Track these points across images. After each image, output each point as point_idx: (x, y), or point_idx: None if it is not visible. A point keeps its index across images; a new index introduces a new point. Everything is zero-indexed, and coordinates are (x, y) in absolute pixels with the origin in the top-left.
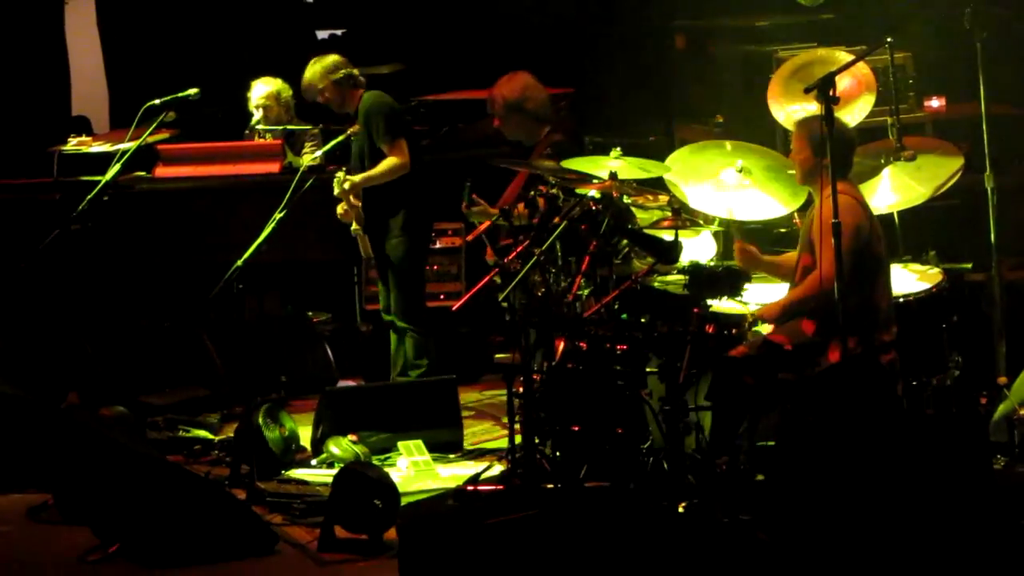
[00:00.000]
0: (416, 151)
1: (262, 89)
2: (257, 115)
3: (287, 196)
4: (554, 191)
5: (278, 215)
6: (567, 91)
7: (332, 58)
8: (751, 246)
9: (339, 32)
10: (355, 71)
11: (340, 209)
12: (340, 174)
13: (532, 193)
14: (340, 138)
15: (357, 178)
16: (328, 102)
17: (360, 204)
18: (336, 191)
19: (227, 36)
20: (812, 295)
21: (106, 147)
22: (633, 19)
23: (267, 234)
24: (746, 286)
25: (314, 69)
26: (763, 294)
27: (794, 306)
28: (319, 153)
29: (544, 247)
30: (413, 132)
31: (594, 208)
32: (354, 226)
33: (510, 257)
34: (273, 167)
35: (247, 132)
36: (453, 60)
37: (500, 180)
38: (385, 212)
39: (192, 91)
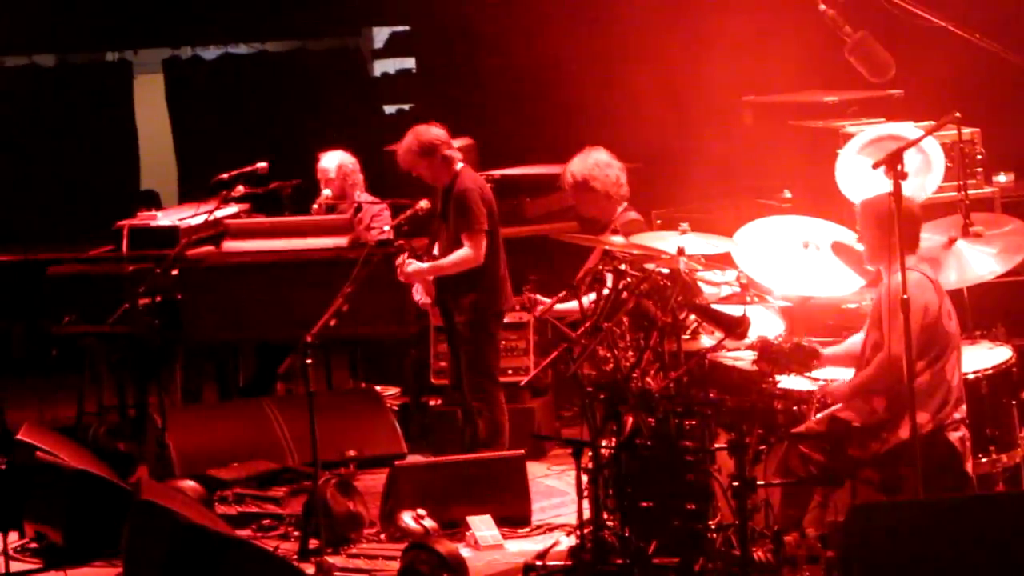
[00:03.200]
0: (493, 241)
1: (330, 162)
2: (325, 189)
3: (355, 269)
4: (622, 267)
5: (346, 289)
6: (639, 166)
7: (433, 132)
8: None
9: (407, 107)
10: (454, 148)
11: (415, 294)
12: (401, 258)
13: (600, 268)
14: (408, 213)
15: (425, 266)
16: (421, 174)
17: (431, 281)
18: (400, 276)
19: (296, 110)
20: (882, 375)
21: (174, 221)
22: (702, 94)
23: (335, 308)
24: (815, 363)
25: (413, 141)
26: (832, 370)
27: (864, 387)
28: (387, 228)
29: (613, 322)
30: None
31: (662, 283)
32: (423, 298)
33: (579, 332)
34: (341, 241)
35: (315, 206)
36: (524, 135)
37: (570, 257)
38: (456, 288)
39: (261, 165)
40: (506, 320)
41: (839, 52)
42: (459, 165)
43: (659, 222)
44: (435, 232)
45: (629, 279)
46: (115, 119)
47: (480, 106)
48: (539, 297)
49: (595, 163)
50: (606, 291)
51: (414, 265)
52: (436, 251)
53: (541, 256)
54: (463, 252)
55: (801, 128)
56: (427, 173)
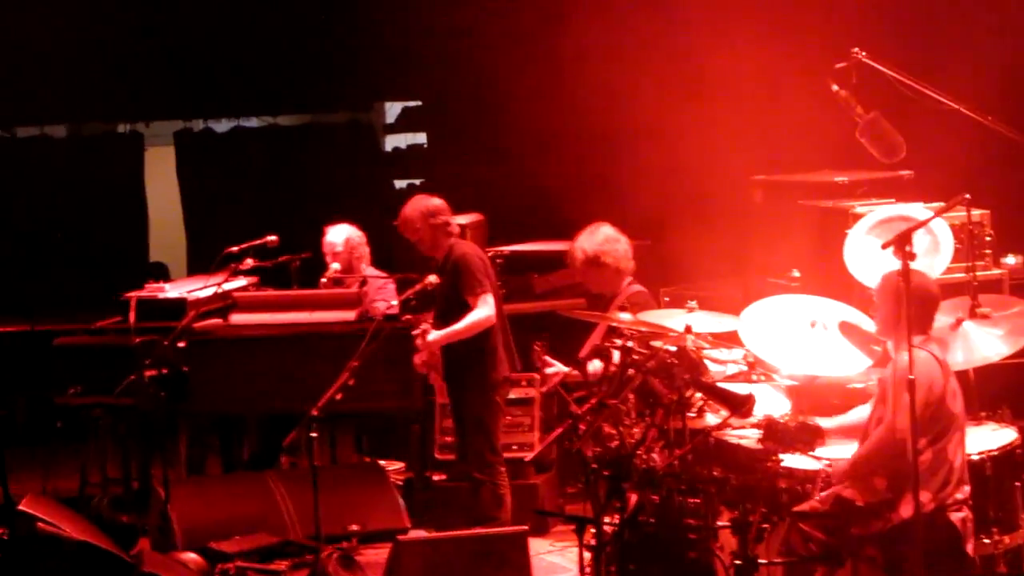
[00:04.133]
0: (498, 304)
1: (337, 236)
2: (333, 263)
3: (362, 344)
4: (629, 343)
5: (353, 363)
6: (646, 243)
7: (435, 201)
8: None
9: (417, 182)
10: (453, 220)
11: (418, 359)
12: (421, 328)
13: (607, 344)
14: (417, 287)
15: (440, 335)
16: (420, 242)
17: (439, 353)
18: (418, 343)
19: (306, 184)
20: (883, 449)
21: (182, 293)
22: (712, 172)
23: (341, 383)
24: (819, 442)
25: (416, 207)
26: (837, 450)
27: (865, 461)
28: (395, 302)
29: (618, 399)
30: (496, 290)
31: (669, 361)
32: (432, 376)
33: (584, 408)
34: (349, 315)
35: (323, 280)
36: (532, 211)
37: (578, 332)
38: (462, 362)
39: (271, 238)
40: (512, 396)
41: (850, 132)
42: (454, 238)
43: (667, 299)
44: (437, 305)
45: (636, 356)
46: (126, 190)
47: (488, 183)
48: (548, 359)
49: (604, 238)
50: (612, 368)
51: (434, 334)
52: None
53: (549, 332)
54: (476, 314)
55: (811, 208)
56: (427, 238)
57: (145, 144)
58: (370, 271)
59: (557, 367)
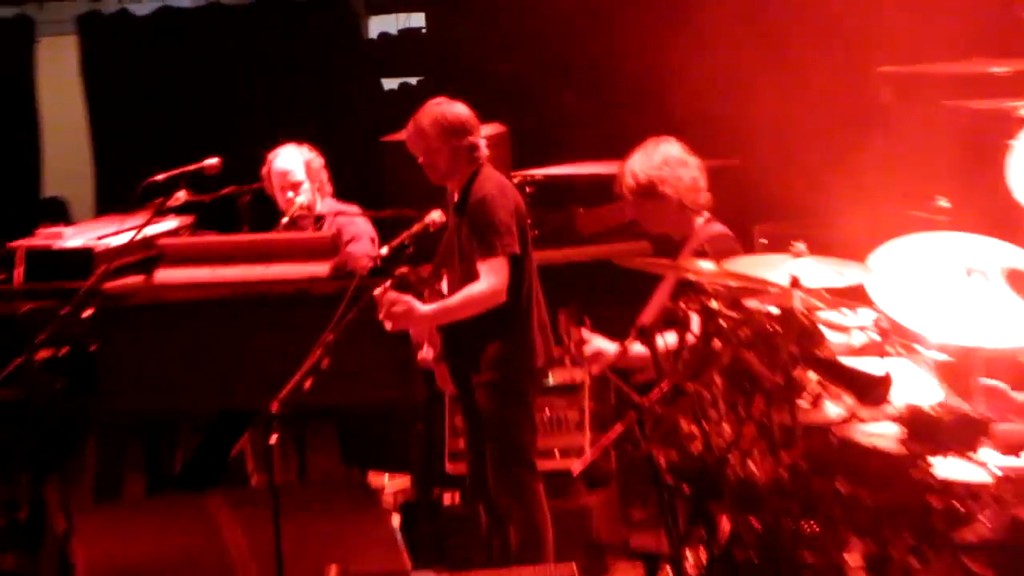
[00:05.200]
0: (525, 270)
1: (292, 160)
2: (299, 197)
3: (339, 310)
4: (712, 304)
5: (327, 337)
6: (730, 163)
7: (461, 111)
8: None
9: (413, 80)
10: (482, 142)
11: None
12: (382, 291)
13: (681, 306)
14: (415, 229)
15: (427, 309)
16: (431, 166)
17: (436, 332)
18: (385, 320)
19: (259, 87)
20: None
21: (88, 240)
22: (821, 64)
23: (312, 365)
24: (984, 439)
25: (434, 117)
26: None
27: None
28: (385, 249)
29: (701, 383)
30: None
31: (770, 328)
32: (426, 352)
33: (652, 397)
34: (321, 269)
35: (285, 219)
36: (574, 122)
37: (636, 286)
38: (475, 336)
39: (210, 162)
40: (550, 381)
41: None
42: (480, 167)
43: (764, 242)
44: (444, 257)
45: (723, 322)
46: (10, 96)
47: (514, 81)
48: (584, 333)
49: (663, 160)
50: (690, 339)
51: (406, 305)
52: (444, 286)
53: (599, 289)
54: (479, 286)
55: (961, 110)
56: (444, 161)
57: (37, 32)
58: (327, 205)
59: (597, 343)
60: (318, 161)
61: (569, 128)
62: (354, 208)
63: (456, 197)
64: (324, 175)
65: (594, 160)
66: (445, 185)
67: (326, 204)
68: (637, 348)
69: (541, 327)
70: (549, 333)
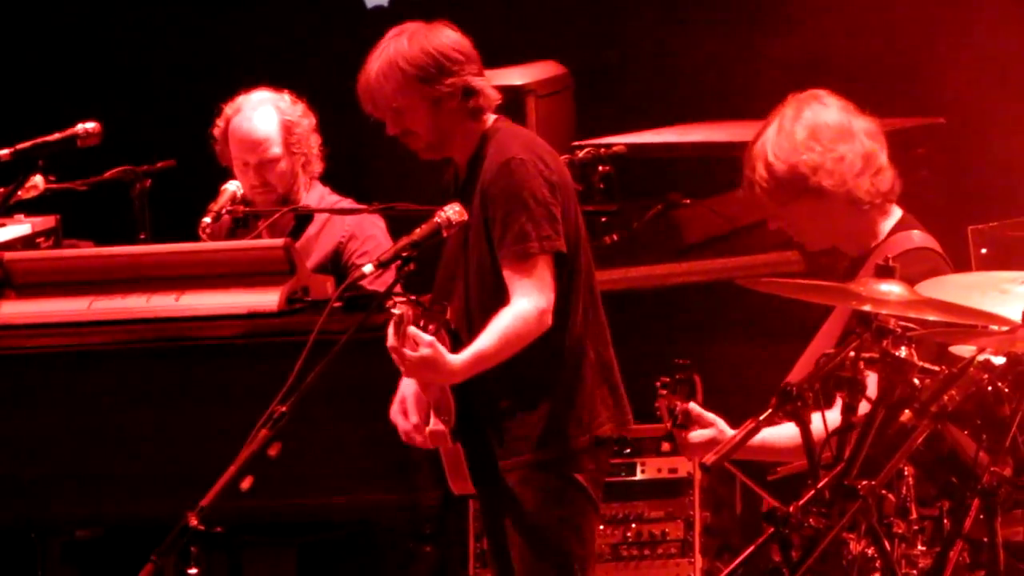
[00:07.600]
0: (580, 285)
1: (264, 121)
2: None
3: (297, 365)
4: (901, 352)
5: (278, 411)
6: (934, 121)
7: (437, 42)
8: None
9: None
10: (482, 82)
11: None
12: (396, 324)
13: (852, 356)
14: (425, 231)
15: (457, 359)
16: (408, 135)
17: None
18: (416, 378)
19: (179, 13)
20: None
21: None
22: None
23: (253, 453)
24: None
25: (388, 60)
26: None
27: None
28: (368, 268)
29: (882, 479)
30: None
31: (991, 390)
32: (433, 425)
33: (802, 503)
34: (268, 300)
35: (205, 222)
36: (655, 60)
37: (775, 325)
38: (495, 392)
39: (87, 126)
40: (637, 475)
41: None
42: (492, 117)
43: (983, 251)
44: (445, 280)
45: (917, 381)
46: None
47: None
48: (693, 409)
49: (812, 133)
50: (864, 409)
51: (433, 349)
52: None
53: (714, 327)
54: (514, 311)
55: None
56: (425, 129)
57: None
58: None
59: (714, 426)
60: (305, 122)
61: (664, 74)
62: (348, 202)
63: (463, 175)
64: (314, 144)
65: (707, 122)
66: (448, 159)
67: (315, 194)
68: (778, 428)
69: (605, 374)
70: (618, 383)
